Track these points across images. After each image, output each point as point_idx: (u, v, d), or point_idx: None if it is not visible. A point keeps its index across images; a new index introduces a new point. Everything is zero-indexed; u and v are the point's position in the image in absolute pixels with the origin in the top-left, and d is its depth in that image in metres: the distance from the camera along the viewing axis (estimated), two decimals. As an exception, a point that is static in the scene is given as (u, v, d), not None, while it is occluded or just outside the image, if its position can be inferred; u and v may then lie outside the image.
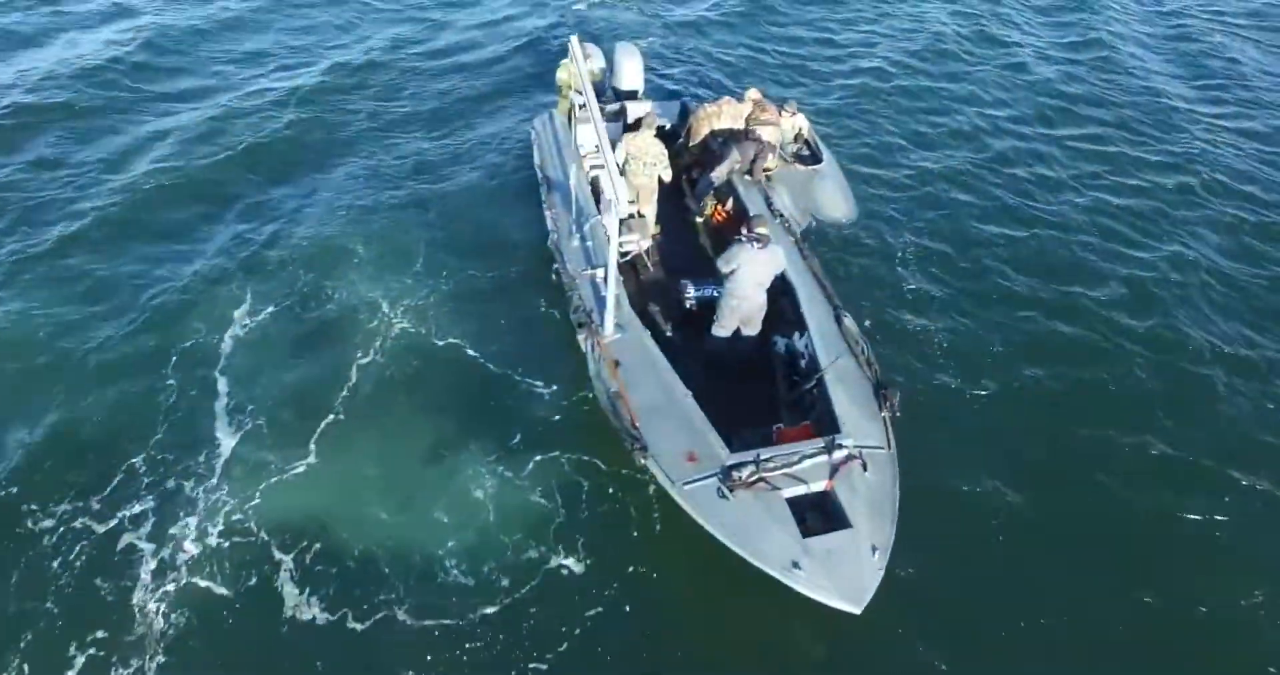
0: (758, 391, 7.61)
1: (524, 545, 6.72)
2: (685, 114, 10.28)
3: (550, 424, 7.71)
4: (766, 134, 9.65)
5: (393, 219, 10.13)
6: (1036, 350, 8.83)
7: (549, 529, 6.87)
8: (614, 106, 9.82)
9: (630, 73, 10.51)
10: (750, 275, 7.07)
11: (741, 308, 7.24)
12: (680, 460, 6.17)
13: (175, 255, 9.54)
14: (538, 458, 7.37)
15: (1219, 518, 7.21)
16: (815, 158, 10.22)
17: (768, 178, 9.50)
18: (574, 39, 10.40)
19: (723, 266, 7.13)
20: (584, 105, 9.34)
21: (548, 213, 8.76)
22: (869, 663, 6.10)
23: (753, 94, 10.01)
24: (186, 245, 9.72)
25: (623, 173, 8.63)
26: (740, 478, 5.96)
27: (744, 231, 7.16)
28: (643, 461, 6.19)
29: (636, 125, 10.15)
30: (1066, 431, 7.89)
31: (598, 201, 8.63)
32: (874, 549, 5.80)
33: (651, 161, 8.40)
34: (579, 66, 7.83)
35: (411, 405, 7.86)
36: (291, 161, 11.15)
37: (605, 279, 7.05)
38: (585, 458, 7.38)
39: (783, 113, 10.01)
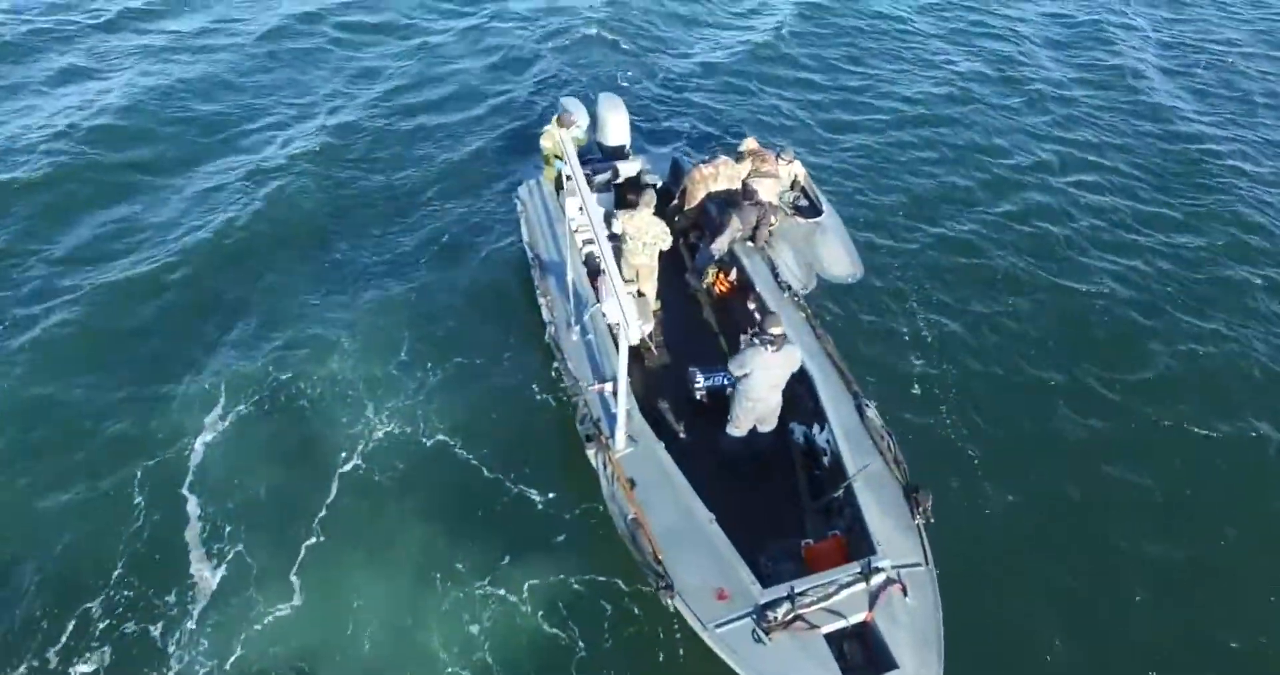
0: (779, 491, 7.16)
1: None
2: (678, 170, 9.78)
3: (554, 539, 7.13)
4: (765, 188, 9.16)
5: (374, 304, 9.43)
6: (1057, 442, 8.29)
7: (564, 663, 6.35)
8: (604, 175, 9.26)
9: (616, 127, 9.97)
10: (765, 379, 6.58)
11: (756, 409, 6.75)
12: (710, 598, 5.66)
13: (141, 354, 8.77)
14: (543, 579, 6.80)
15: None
16: (814, 208, 9.73)
17: (771, 236, 9.07)
18: (564, 102, 9.88)
19: (735, 370, 6.61)
20: (569, 176, 8.86)
21: (542, 300, 8.12)
22: None
23: (749, 144, 9.51)
24: (154, 341, 8.93)
25: (620, 251, 8.17)
26: (776, 618, 5.47)
27: (757, 330, 6.64)
28: (669, 602, 5.70)
29: (630, 186, 9.74)
30: (1102, 542, 7.40)
31: (594, 280, 8.11)
32: None
33: (651, 241, 7.88)
34: (568, 152, 7.19)
35: (399, 521, 7.22)
36: (263, 244, 10.30)
37: (614, 393, 6.56)
38: (598, 577, 6.81)
39: (780, 160, 9.56)
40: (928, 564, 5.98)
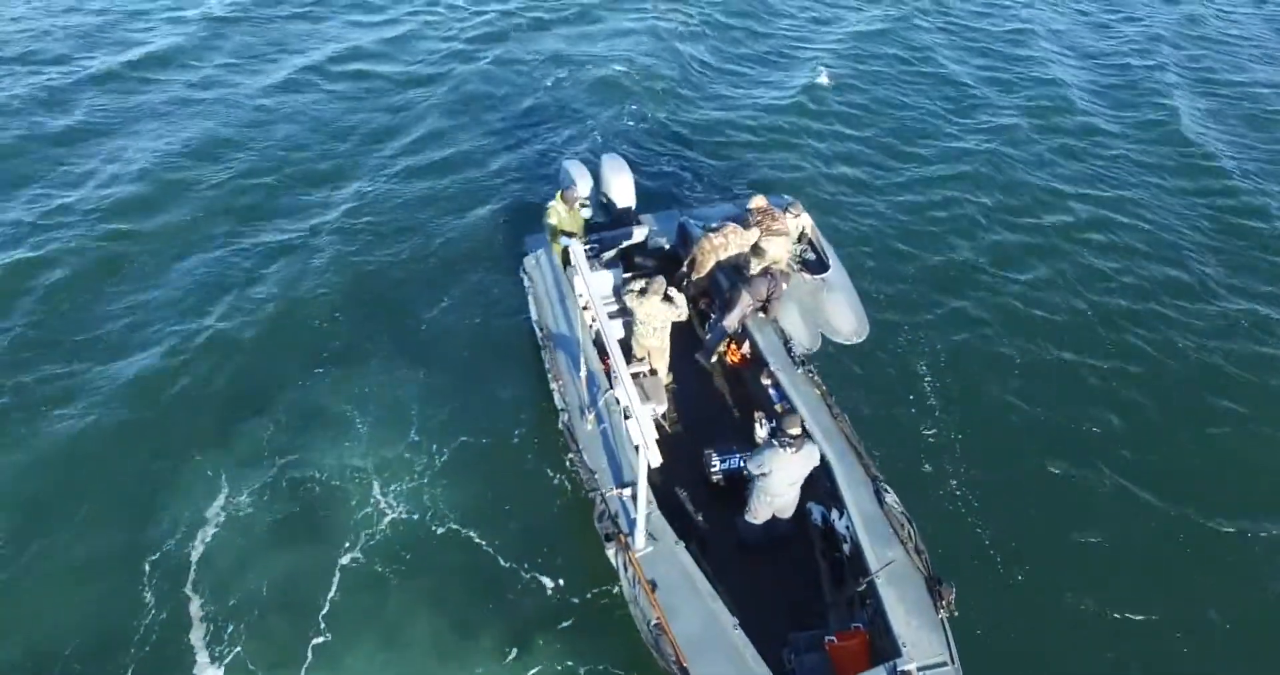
0: (799, 575, 7.10)
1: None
2: (685, 235, 9.71)
3: (565, 626, 7.07)
4: (777, 246, 9.14)
5: (380, 382, 9.32)
6: (1073, 515, 8.25)
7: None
8: (611, 251, 9.21)
9: (621, 189, 9.92)
10: (784, 478, 6.55)
11: (775, 503, 6.69)
12: None
13: (142, 444, 8.59)
14: (553, 669, 6.75)
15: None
16: (821, 261, 9.72)
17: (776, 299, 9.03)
18: (567, 167, 9.79)
19: (754, 469, 6.57)
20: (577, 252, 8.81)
21: (554, 384, 8.03)
22: None
23: (758, 201, 9.43)
24: (155, 430, 8.75)
25: (629, 328, 8.12)
26: (804, 731, 5.48)
27: (776, 429, 6.60)
28: None
29: (638, 250, 9.71)
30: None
31: (605, 359, 8.04)
32: None
33: (660, 325, 7.85)
34: (580, 264, 7.16)
35: (406, 611, 7.15)
36: (265, 325, 10.11)
37: (634, 497, 6.48)
38: (613, 669, 6.78)
39: (788, 214, 9.53)
40: (953, 663, 5.91)
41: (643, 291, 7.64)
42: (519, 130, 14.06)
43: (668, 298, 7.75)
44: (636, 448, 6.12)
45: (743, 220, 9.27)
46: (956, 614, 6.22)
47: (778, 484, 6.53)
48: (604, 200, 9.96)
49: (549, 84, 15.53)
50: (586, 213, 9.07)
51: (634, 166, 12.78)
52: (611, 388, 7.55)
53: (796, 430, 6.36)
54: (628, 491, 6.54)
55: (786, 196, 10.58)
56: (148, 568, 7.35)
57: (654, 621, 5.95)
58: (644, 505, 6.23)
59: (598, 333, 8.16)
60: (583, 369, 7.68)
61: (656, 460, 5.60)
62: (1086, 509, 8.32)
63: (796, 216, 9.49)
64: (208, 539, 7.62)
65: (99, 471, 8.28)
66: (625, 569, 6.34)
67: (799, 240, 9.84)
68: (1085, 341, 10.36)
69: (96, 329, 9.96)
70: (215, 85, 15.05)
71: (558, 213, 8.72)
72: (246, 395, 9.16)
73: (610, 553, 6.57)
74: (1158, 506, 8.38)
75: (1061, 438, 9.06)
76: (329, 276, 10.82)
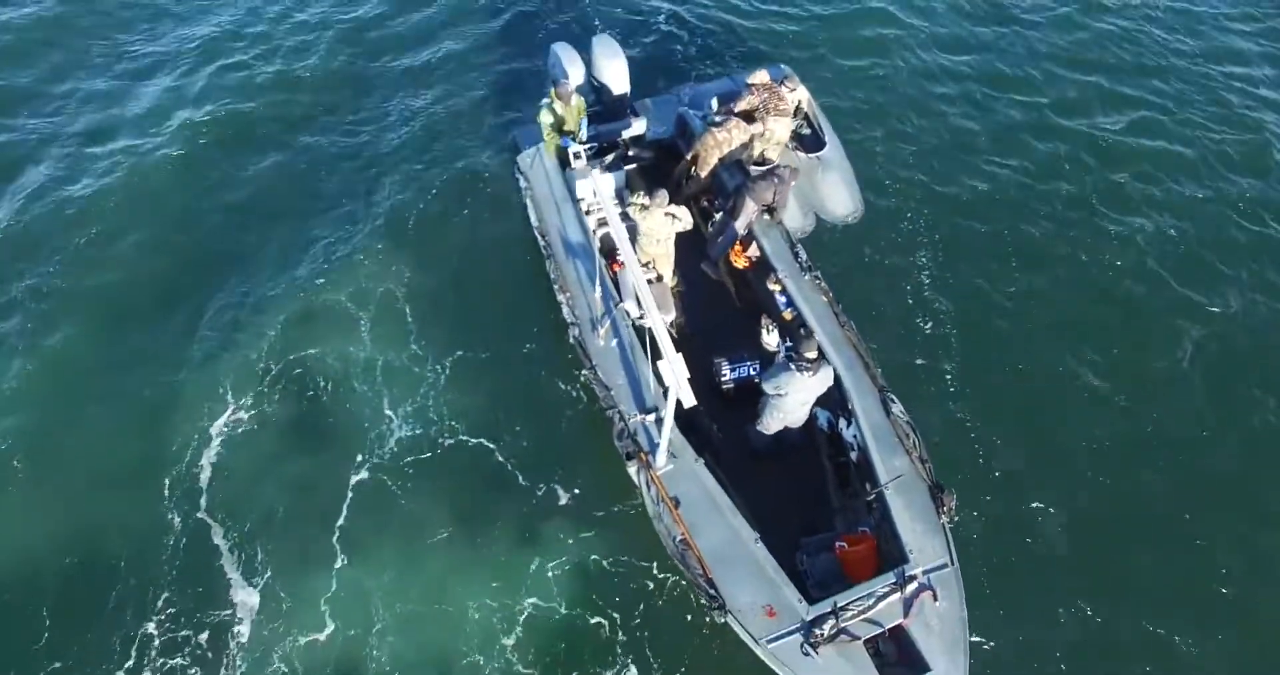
0: (808, 480, 7.42)
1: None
2: (684, 127, 9.19)
3: (589, 537, 7.42)
4: (781, 127, 8.79)
5: (376, 287, 9.08)
6: (1059, 412, 8.46)
7: (607, 651, 6.87)
8: (610, 155, 8.64)
9: (615, 76, 9.23)
10: (798, 398, 6.66)
11: (788, 418, 6.88)
12: (760, 616, 6.01)
13: (143, 352, 8.53)
14: (575, 574, 7.20)
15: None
16: (817, 138, 9.38)
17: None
18: (557, 50, 9.06)
19: (770, 390, 6.63)
20: (578, 155, 8.33)
21: (561, 296, 7.79)
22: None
23: (760, 77, 8.86)
24: (150, 336, 8.66)
25: (634, 234, 7.86)
26: (822, 633, 5.89)
27: (791, 350, 6.62)
28: (722, 620, 6.10)
29: (636, 144, 9.27)
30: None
31: (612, 264, 7.86)
32: None
33: (665, 237, 7.60)
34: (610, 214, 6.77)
35: (422, 523, 7.46)
36: (247, 219, 9.77)
37: (657, 421, 6.54)
38: (635, 560, 7.27)
39: (785, 87, 9.09)
40: (953, 564, 6.37)
41: (645, 207, 7.36)
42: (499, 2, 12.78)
43: (670, 214, 7.51)
44: (665, 388, 6.18)
45: (742, 96, 8.83)
46: (957, 519, 6.69)
47: (792, 403, 6.67)
48: (596, 84, 9.32)
49: None
50: (578, 73, 8.58)
51: (624, 39, 11.94)
52: (622, 299, 7.47)
53: (813, 354, 6.41)
54: (650, 417, 6.66)
55: (783, 66, 10.00)
56: (165, 480, 7.57)
57: (679, 537, 6.27)
58: (668, 431, 6.36)
59: (603, 237, 7.97)
60: (594, 281, 7.53)
61: (690, 401, 5.66)
62: (1073, 405, 8.59)
63: (793, 90, 9.02)
64: (221, 448, 7.79)
65: (106, 381, 8.27)
66: (648, 487, 6.58)
67: (795, 115, 9.46)
68: (1084, 231, 10.21)
69: (85, 234, 9.57)
70: None
71: (553, 111, 8.13)
72: (233, 296, 9.01)
73: (631, 470, 6.78)
74: (1137, 407, 8.65)
75: (1054, 333, 9.18)
76: (308, 170, 10.23)
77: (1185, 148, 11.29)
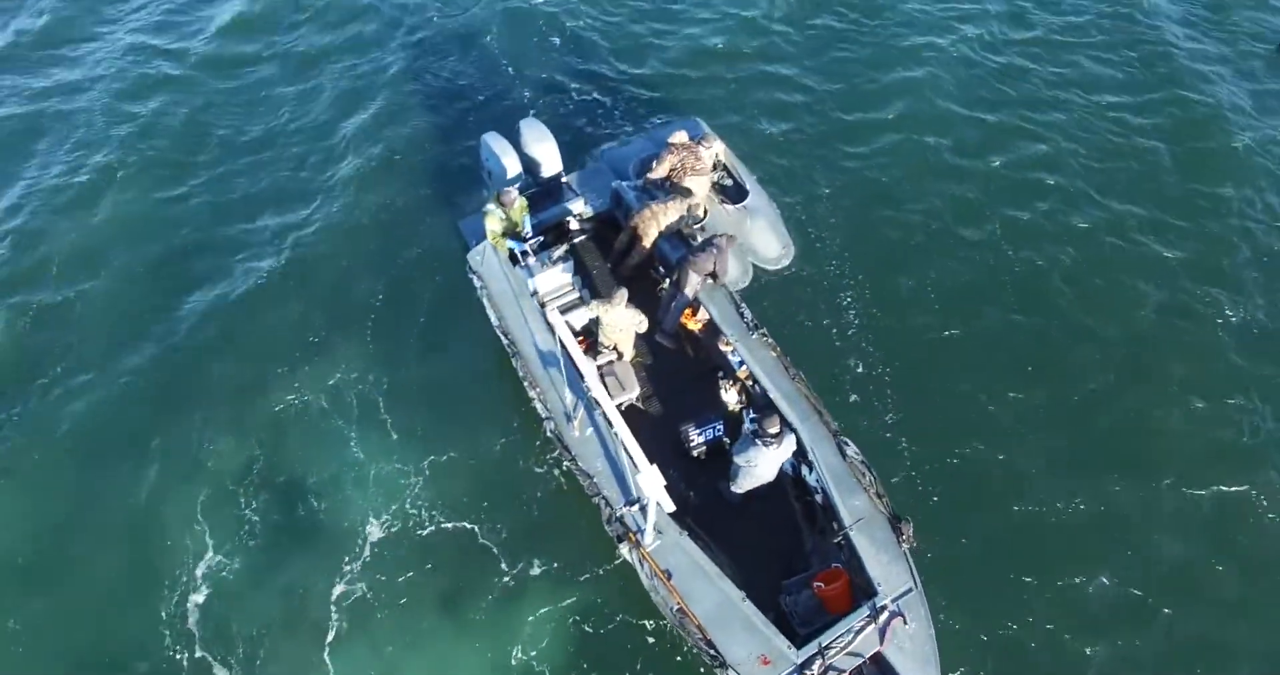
0: (780, 525, 8.16)
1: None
2: (619, 199, 9.76)
3: (575, 598, 8.16)
4: (699, 186, 9.46)
5: (346, 392, 9.59)
6: (988, 436, 9.30)
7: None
8: (560, 249, 9.14)
9: (546, 156, 9.77)
10: (767, 468, 7.48)
11: (758, 480, 7.68)
12: (756, 665, 6.82)
13: (117, 477, 9.01)
14: (574, 637, 7.98)
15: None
16: (739, 188, 10.06)
17: (701, 229, 9.48)
18: (488, 142, 9.57)
19: (740, 463, 7.40)
20: (526, 253, 8.90)
21: (532, 392, 8.38)
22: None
23: (679, 137, 9.57)
24: (126, 461, 9.12)
25: (596, 332, 8.58)
26: (812, 673, 6.80)
27: (756, 428, 7.37)
28: (724, 674, 6.92)
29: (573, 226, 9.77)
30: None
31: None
32: None
33: (627, 327, 8.26)
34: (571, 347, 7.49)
35: (417, 619, 8.14)
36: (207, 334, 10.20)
37: (642, 510, 7.17)
38: (630, 619, 8.03)
39: (702, 146, 9.71)
40: (917, 587, 7.25)
41: (607, 305, 8.03)
42: (414, 92, 13.07)
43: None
44: (644, 507, 6.99)
45: (661, 157, 9.45)
46: (916, 545, 7.56)
47: (761, 471, 7.47)
48: (529, 167, 9.82)
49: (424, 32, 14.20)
50: (511, 161, 9.21)
51: (545, 110, 12.53)
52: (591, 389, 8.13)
53: (775, 428, 7.19)
54: (635, 507, 7.37)
55: (699, 121, 10.62)
56: (155, 603, 8.16)
57: (675, 607, 7.03)
58: (653, 517, 7.09)
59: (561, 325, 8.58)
60: (562, 377, 8.05)
61: (670, 508, 6.39)
62: (1002, 430, 9.47)
63: (709, 147, 9.67)
64: (207, 567, 8.40)
65: (91, 501, 8.84)
66: (641, 564, 7.31)
67: (714, 169, 10.07)
68: (1000, 264, 11.00)
69: (57, 357, 9.99)
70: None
71: (497, 217, 8.67)
72: (209, 405, 9.53)
73: (623, 550, 7.50)
74: (1064, 427, 9.50)
75: (979, 359, 10.02)
76: (256, 280, 10.62)
77: (1077, 179, 12.08)
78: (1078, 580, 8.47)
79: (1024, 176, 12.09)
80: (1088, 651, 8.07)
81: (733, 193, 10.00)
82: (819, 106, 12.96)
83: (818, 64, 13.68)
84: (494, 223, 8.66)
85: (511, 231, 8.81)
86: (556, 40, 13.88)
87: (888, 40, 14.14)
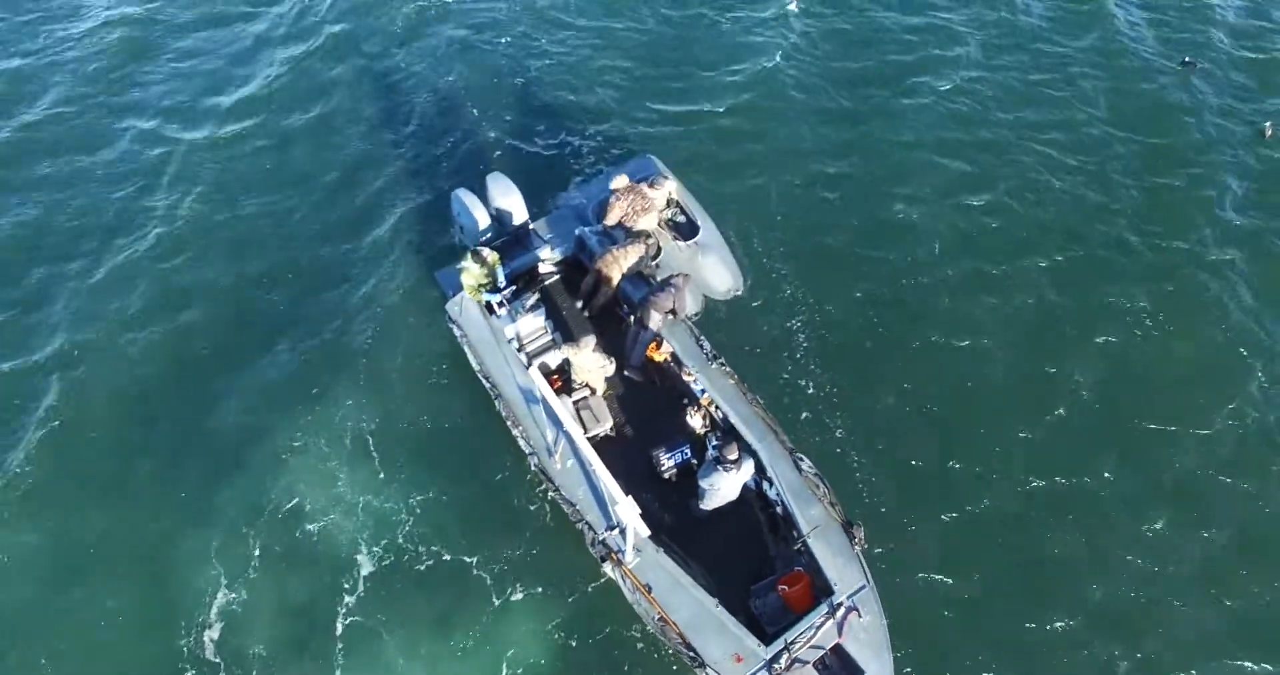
0: (747, 533, 9.03)
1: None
2: (583, 244, 10.58)
3: (564, 615, 9.10)
4: (647, 221, 10.33)
5: (344, 436, 10.37)
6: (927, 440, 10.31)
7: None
8: (532, 298, 9.92)
9: (514, 207, 10.56)
10: (727, 492, 8.45)
11: (723, 500, 8.64)
12: (731, 663, 7.71)
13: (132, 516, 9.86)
14: (566, 648, 8.95)
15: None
16: (692, 224, 10.92)
17: (657, 267, 10.34)
18: (458, 199, 10.31)
19: (705, 486, 8.39)
20: (500, 304, 9.71)
21: (515, 431, 9.21)
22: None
23: (619, 182, 10.45)
24: (137, 500, 9.94)
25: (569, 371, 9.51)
26: (780, 667, 7.67)
27: (718, 455, 8.38)
28: (703, 673, 7.78)
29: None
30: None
31: (552, 385, 9.36)
32: None
33: (597, 369, 9.13)
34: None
35: (415, 641, 8.97)
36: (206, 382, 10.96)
37: (622, 534, 8.05)
38: (618, 629, 8.91)
39: (653, 188, 10.59)
40: (870, 583, 8.20)
41: (577, 349, 8.93)
42: (370, 148, 13.80)
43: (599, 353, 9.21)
44: (623, 530, 7.90)
45: (610, 205, 10.34)
46: (867, 546, 8.50)
47: (724, 492, 8.41)
48: (497, 219, 10.63)
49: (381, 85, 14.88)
50: (482, 218, 10.08)
51: (509, 149, 13.45)
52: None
53: (734, 455, 8.12)
54: (616, 531, 8.23)
55: (653, 159, 11.50)
56: (175, 632, 8.98)
57: (657, 616, 7.91)
58: (632, 538, 7.96)
59: (542, 367, 9.42)
60: (543, 416, 8.91)
61: (646, 533, 7.25)
62: (942, 439, 10.44)
63: (657, 188, 10.56)
64: (221, 601, 9.25)
65: (109, 540, 9.72)
66: (624, 580, 8.19)
67: (668, 206, 10.96)
68: (934, 282, 11.90)
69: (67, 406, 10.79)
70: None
71: (473, 273, 9.48)
72: (204, 457, 10.33)
73: (607, 569, 8.37)
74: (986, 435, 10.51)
75: (919, 375, 10.98)
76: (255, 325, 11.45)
77: (1007, 198, 12.99)
78: (1012, 569, 9.52)
79: (959, 200, 13.00)
80: (1029, 625, 9.16)
81: (685, 229, 10.86)
82: (769, 137, 13.83)
83: (768, 98, 14.49)
84: (470, 278, 9.46)
85: (489, 285, 9.62)
86: (517, 81, 14.66)
87: (841, 73, 14.98)
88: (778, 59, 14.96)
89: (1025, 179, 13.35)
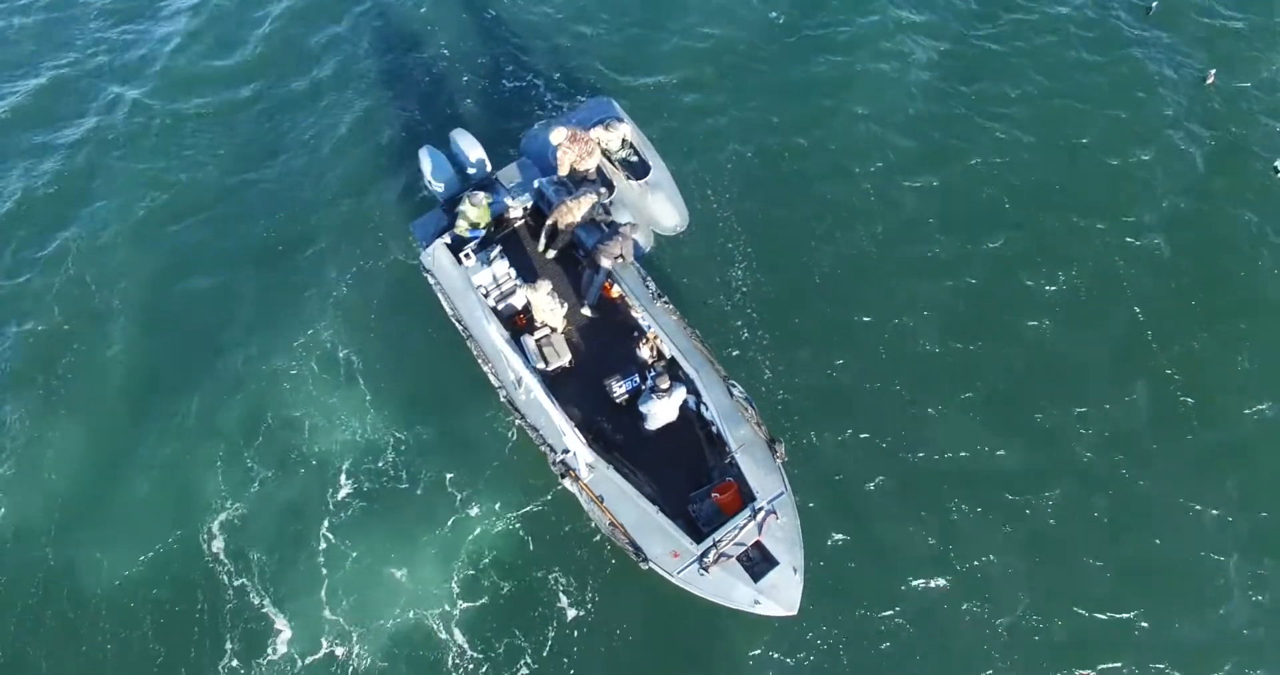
0: (687, 448, 10.46)
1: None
2: (542, 195, 11.52)
3: (529, 519, 10.79)
4: (589, 163, 11.31)
5: (338, 368, 11.77)
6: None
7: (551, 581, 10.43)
8: (496, 249, 10.84)
9: (476, 158, 11.51)
10: (665, 412, 9.81)
11: (664, 421, 10.03)
12: (668, 558, 9.33)
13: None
14: (529, 543, 10.70)
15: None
16: (643, 164, 11.86)
17: (611, 205, 11.37)
18: (430, 157, 11.31)
19: (644, 410, 9.80)
20: (468, 254, 10.75)
21: (485, 368, 10.47)
22: (794, 634, 10.02)
23: (556, 137, 11.27)
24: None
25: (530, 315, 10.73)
26: (709, 560, 9.30)
27: (653, 384, 9.78)
28: (646, 566, 9.39)
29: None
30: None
31: (515, 324, 10.69)
32: (795, 570, 9.44)
33: (551, 309, 10.30)
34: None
35: (396, 543, 10.71)
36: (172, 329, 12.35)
37: (575, 457, 9.51)
38: (578, 528, 10.61)
39: (608, 129, 11.47)
40: (787, 490, 9.75)
41: (534, 290, 10.09)
42: (340, 103, 14.47)
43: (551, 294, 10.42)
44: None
45: (559, 159, 11.26)
46: (787, 459, 10.00)
47: (661, 415, 9.83)
48: (461, 169, 11.56)
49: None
50: (485, 198, 11.02)
51: (472, 91, 14.25)
52: (530, 363, 10.25)
53: (666, 384, 9.47)
54: (570, 453, 9.65)
55: (611, 102, 12.25)
56: (197, 527, 10.81)
57: (608, 522, 9.47)
58: (583, 461, 9.41)
59: (506, 308, 10.66)
60: (508, 352, 10.15)
61: (590, 459, 8.65)
62: (855, 376, 11.75)
63: (612, 130, 11.48)
64: (227, 506, 11.03)
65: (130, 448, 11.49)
66: (580, 494, 9.71)
67: (621, 147, 11.82)
68: (864, 227, 12.85)
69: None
70: None
71: (468, 217, 10.68)
72: (214, 384, 11.83)
73: (567, 483, 9.87)
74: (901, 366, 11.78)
75: (836, 319, 12.17)
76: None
77: (956, 177, 13.57)
78: (908, 475, 11.06)
79: (910, 169, 13.59)
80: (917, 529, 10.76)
81: (637, 168, 11.78)
82: (732, 82, 14.50)
83: (737, 43, 15.03)
84: (465, 221, 10.86)
85: (484, 224, 10.97)
86: (485, 24, 15.17)
87: (814, 29, 15.31)
88: (743, 28, 15.25)
89: (975, 156, 13.72)
